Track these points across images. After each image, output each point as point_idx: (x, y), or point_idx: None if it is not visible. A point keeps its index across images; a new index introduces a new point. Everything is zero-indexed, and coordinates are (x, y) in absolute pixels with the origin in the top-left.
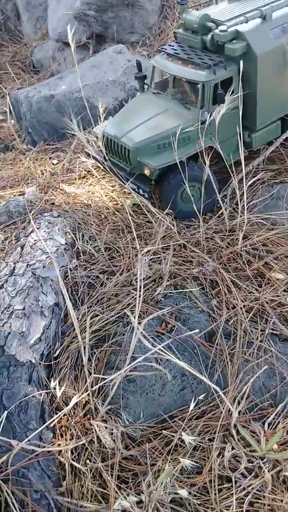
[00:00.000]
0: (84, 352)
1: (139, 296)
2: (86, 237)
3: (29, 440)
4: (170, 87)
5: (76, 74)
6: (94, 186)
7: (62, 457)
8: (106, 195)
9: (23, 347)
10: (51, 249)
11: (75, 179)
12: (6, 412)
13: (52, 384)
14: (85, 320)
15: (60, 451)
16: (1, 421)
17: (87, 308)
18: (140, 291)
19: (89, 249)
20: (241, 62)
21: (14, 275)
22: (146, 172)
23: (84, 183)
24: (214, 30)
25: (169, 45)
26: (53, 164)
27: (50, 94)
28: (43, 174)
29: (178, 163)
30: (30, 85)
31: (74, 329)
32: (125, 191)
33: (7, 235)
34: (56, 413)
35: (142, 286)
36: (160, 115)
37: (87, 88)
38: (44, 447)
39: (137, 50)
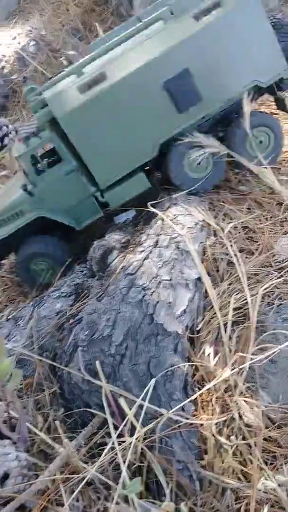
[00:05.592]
0: (225, 329)
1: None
2: (221, 215)
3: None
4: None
5: None
6: None
7: (204, 430)
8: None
9: (170, 317)
10: (190, 225)
11: None
12: (154, 380)
13: (206, 353)
14: (226, 297)
15: (201, 424)
16: (150, 388)
17: (228, 285)
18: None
19: (226, 227)
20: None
21: (159, 247)
22: None
23: None
24: None
25: None
26: None
27: None
28: None
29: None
30: None
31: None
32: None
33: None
34: (198, 387)
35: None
36: (7, 191)
37: None
38: (188, 418)
39: None
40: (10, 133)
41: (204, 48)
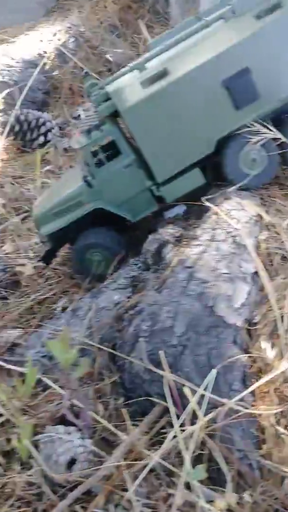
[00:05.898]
0: (282, 322)
1: None
2: (273, 210)
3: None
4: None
5: None
6: None
7: (262, 421)
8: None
9: (229, 310)
10: (245, 219)
11: None
12: (215, 371)
13: (263, 347)
14: (281, 291)
15: (260, 414)
16: (212, 379)
17: (282, 279)
18: None
19: (283, 222)
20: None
21: (215, 241)
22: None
23: None
24: None
25: None
26: None
27: None
28: None
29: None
30: None
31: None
32: None
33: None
34: (255, 378)
35: None
36: (63, 184)
37: None
38: (247, 408)
39: None
40: (53, 128)
41: (264, 47)
